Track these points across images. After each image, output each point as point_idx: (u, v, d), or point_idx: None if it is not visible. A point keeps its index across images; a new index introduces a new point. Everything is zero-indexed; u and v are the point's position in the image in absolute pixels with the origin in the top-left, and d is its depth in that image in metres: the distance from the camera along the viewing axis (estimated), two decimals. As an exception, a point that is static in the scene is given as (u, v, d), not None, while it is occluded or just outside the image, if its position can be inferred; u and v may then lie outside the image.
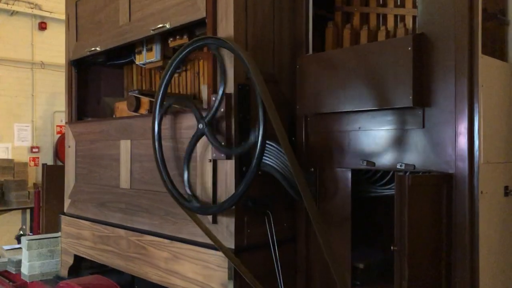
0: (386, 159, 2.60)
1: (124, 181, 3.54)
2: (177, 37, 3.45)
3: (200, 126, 2.72)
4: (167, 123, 3.09)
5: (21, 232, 8.24)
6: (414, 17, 2.82)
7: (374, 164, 2.65)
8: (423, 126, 2.46)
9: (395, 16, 2.93)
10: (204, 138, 2.76)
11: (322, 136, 2.90)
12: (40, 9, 9.95)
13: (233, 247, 2.68)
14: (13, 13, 9.58)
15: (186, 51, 2.78)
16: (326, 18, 3.22)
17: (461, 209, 2.34)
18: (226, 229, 2.74)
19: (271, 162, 2.63)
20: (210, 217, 2.80)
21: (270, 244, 2.79)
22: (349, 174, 2.76)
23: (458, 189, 2.34)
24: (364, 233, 3.26)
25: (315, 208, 2.40)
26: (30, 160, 9.83)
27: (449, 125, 2.37)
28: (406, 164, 2.50)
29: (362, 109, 2.62)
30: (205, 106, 2.93)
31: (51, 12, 9.99)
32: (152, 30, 3.25)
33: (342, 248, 2.77)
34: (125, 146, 3.54)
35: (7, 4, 9.44)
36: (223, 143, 2.67)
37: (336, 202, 2.82)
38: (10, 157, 9.49)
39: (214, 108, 2.67)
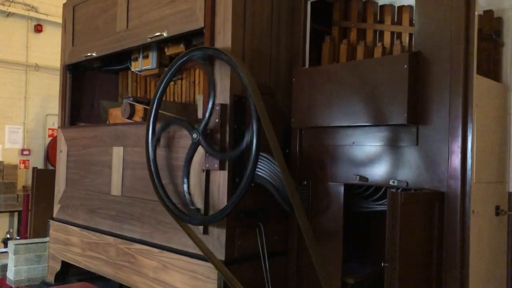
0: (379, 175, 2.61)
1: (116, 188, 3.51)
2: (174, 45, 3.45)
3: (195, 136, 2.71)
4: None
5: (8, 236, 8.14)
6: (410, 35, 2.85)
7: (367, 179, 2.65)
8: (417, 144, 2.47)
9: (392, 33, 2.96)
10: (198, 150, 2.75)
11: (316, 150, 2.90)
12: (37, 11, 9.91)
13: (223, 258, 2.66)
14: (9, 14, 9.54)
15: (183, 59, 2.78)
16: (323, 32, 3.24)
17: (452, 227, 2.35)
18: (217, 240, 2.72)
19: (264, 174, 2.63)
20: (201, 228, 2.78)
21: (261, 256, 2.77)
22: (342, 189, 2.76)
23: (450, 208, 2.35)
24: (355, 247, 3.26)
25: (306, 222, 2.39)
26: (20, 163, 9.72)
27: (443, 144, 2.38)
28: (399, 181, 2.51)
29: (357, 124, 2.63)
30: (200, 115, 2.92)
31: (47, 15, 9.95)
32: (149, 38, 3.25)
33: (332, 262, 2.76)
34: (117, 152, 3.51)
35: (3, 5, 9.40)
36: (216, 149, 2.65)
37: (328, 216, 2.81)
38: (0, 159, 9.39)
39: (205, 119, 2.66)
